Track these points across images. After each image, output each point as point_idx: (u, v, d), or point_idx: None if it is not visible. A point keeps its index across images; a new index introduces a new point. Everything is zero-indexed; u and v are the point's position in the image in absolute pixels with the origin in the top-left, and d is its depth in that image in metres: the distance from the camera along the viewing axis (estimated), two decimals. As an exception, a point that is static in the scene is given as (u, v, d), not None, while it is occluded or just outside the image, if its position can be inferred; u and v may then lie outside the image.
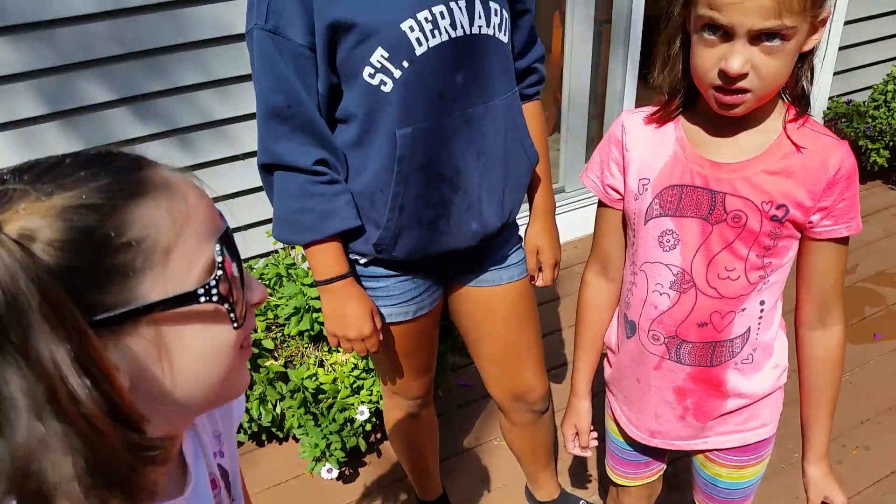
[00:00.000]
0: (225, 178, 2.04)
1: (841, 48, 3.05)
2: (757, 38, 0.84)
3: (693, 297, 1.01)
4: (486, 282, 1.35)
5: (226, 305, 0.49)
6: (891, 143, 2.98)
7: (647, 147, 1.02)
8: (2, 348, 0.39)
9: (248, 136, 1.99)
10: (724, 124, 0.95)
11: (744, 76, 0.86)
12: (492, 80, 1.17)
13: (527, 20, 1.26)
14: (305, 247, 1.19)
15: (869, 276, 2.63)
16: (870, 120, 3.01)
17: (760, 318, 1.03)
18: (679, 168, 0.98)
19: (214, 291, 0.48)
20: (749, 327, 1.03)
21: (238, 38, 1.88)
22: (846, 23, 3.00)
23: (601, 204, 1.12)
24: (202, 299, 0.48)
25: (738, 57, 0.85)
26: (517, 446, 1.63)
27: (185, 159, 1.96)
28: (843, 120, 3.09)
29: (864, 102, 3.10)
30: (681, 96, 0.98)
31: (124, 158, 0.49)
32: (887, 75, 3.11)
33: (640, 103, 2.75)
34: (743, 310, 1.01)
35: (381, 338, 1.26)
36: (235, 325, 0.50)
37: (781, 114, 0.96)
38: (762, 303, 1.02)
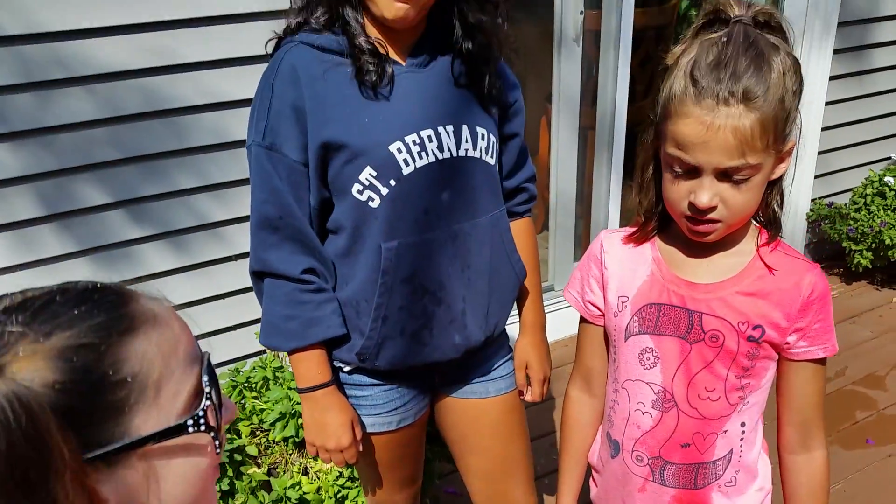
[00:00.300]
0: (217, 279, 2.06)
1: (820, 153, 3.16)
2: (724, 174, 0.88)
3: (675, 416, 1.01)
4: (473, 393, 1.35)
5: (212, 433, 0.51)
6: (873, 245, 3.04)
7: (625, 265, 1.05)
8: (23, 489, 0.40)
9: (241, 237, 2.02)
10: (698, 247, 0.99)
11: (713, 208, 0.90)
12: (478, 198, 1.21)
13: (515, 143, 1.31)
14: (290, 353, 1.20)
15: (858, 379, 2.62)
16: (852, 222, 3.08)
17: (742, 439, 1.03)
18: (657, 287, 1.01)
19: (202, 421, 0.51)
20: (731, 449, 1.03)
21: (234, 144, 1.94)
22: (824, 129, 3.12)
23: (583, 320, 1.13)
24: (191, 430, 0.50)
25: (706, 192, 0.89)
26: None
27: (178, 260, 1.99)
28: (826, 222, 3.16)
29: (845, 205, 3.18)
30: (656, 220, 1.02)
31: (111, 293, 0.51)
32: (866, 179, 3.21)
33: (624, 203, 2.83)
34: (725, 431, 1.01)
35: (361, 449, 1.25)
36: (218, 451, 0.52)
37: (754, 237, 1.00)
38: (743, 424, 1.02)
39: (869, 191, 3.15)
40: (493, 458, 1.38)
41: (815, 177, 3.19)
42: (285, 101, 1.09)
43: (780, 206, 0.99)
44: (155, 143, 1.88)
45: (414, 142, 1.12)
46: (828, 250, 3.36)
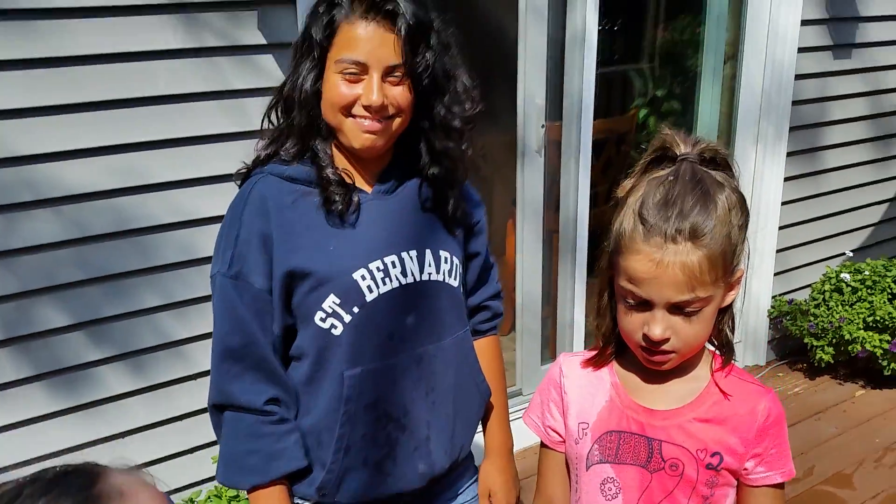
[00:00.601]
0: (176, 400, 2.02)
1: (778, 250, 3.25)
2: (675, 307, 0.91)
3: None
4: None
5: None
6: (834, 340, 3.11)
7: (584, 390, 1.06)
8: None
9: (203, 356, 2.00)
10: (654, 373, 1.01)
11: (666, 340, 0.93)
12: (442, 321, 1.22)
13: (477, 261, 1.34)
14: (249, 491, 1.17)
15: (827, 478, 2.62)
16: (812, 318, 3.15)
17: None
18: (616, 413, 1.02)
19: None
20: None
21: (201, 260, 1.94)
22: (781, 227, 3.23)
23: (544, 445, 1.13)
24: None
25: (658, 325, 0.92)
26: None
27: (137, 381, 1.95)
28: (787, 318, 3.23)
29: (805, 301, 3.26)
30: (613, 344, 1.05)
31: (80, 475, 0.52)
32: (823, 275, 3.31)
33: (589, 304, 2.86)
34: None
35: None
36: None
37: (708, 362, 1.03)
38: None
39: (827, 287, 3.24)
40: None
41: (775, 274, 3.27)
42: (253, 231, 1.11)
43: (732, 330, 1.02)
44: (121, 262, 1.87)
45: (378, 268, 1.14)
46: (790, 346, 3.42)
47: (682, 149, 0.94)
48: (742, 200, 0.94)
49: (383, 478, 1.19)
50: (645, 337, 0.93)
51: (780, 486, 1.01)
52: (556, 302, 2.91)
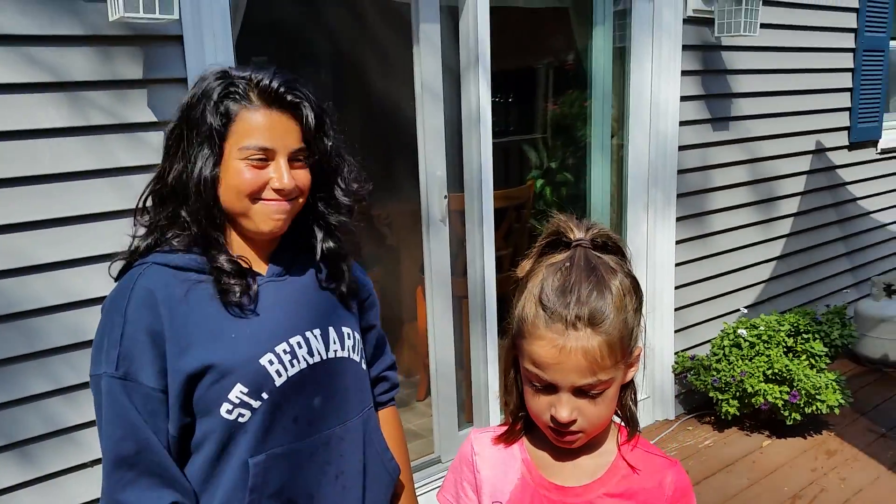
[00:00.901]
0: (71, 489, 1.90)
1: (676, 309, 3.39)
2: (579, 390, 0.93)
3: None
4: None
5: None
6: (738, 394, 3.22)
7: (496, 468, 1.06)
8: None
9: (97, 443, 1.88)
10: (563, 450, 1.02)
11: (573, 422, 0.94)
12: (348, 399, 1.21)
13: (372, 335, 1.34)
14: None
15: (742, 529, 2.68)
16: (714, 373, 3.27)
17: None
18: (528, 492, 1.02)
19: None
20: None
21: (88, 343, 1.85)
22: (677, 287, 3.38)
23: None
24: None
25: (564, 408, 0.94)
26: None
27: (26, 472, 1.83)
28: (691, 373, 3.34)
29: (706, 356, 3.39)
30: (522, 421, 1.05)
31: None
32: (721, 331, 3.45)
33: (501, 366, 2.88)
34: None
35: None
36: None
37: (615, 436, 1.04)
38: None
39: (726, 342, 3.37)
40: None
41: (676, 331, 3.41)
42: (139, 327, 1.05)
43: (635, 402, 1.05)
44: (2, 348, 1.78)
45: (284, 350, 1.11)
46: (697, 399, 3.52)
47: (575, 234, 0.98)
48: (635, 284, 0.98)
49: None
50: (553, 419, 0.95)
51: None
52: (469, 366, 2.93)
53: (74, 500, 1.91)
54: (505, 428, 1.08)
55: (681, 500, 1.00)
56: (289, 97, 1.09)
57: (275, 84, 1.09)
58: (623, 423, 1.05)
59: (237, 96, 1.08)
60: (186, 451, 1.11)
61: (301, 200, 1.15)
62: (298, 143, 1.11)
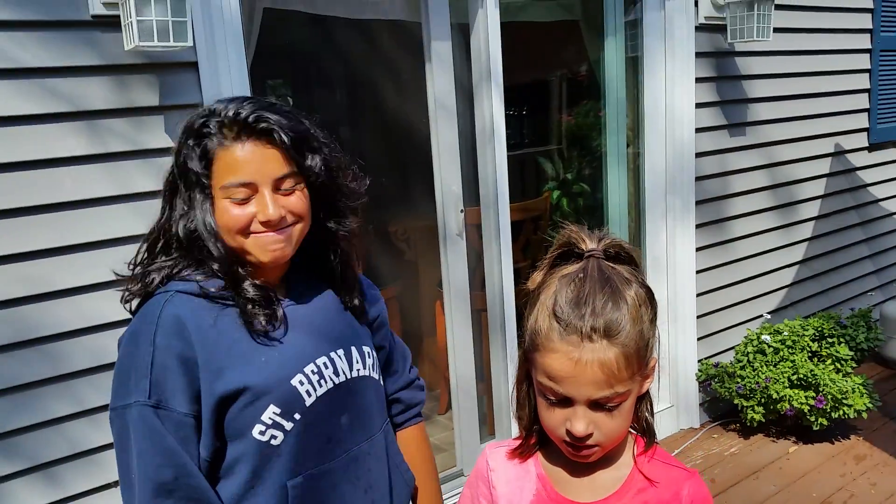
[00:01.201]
0: (94, 510, 1.93)
1: (699, 316, 3.36)
2: (595, 404, 0.92)
3: None
4: None
5: None
6: (763, 400, 3.18)
7: (512, 483, 1.05)
8: None
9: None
10: (579, 464, 1.01)
11: (589, 436, 0.93)
12: (371, 416, 1.22)
13: (382, 355, 1.34)
14: None
15: (771, 539, 2.63)
16: (739, 380, 3.23)
17: None
18: None
19: None
20: None
21: (110, 365, 1.89)
22: (699, 294, 3.35)
23: None
24: None
25: (580, 422, 0.92)
26: None
27: (51, 494, 1.86)
28: (715, 381, 3.30)
29: (730, 363, 3.35)
30: (536, 435, 1.04)
31: None
32: (745, 337, 3.41)
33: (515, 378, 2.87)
34: None
35: None
36: None
37: (631, 447, 1.03)
38: None
39: (750, 349, 3.34)
40: None
41: (698, 339, 3.37)
42: (170, 354, 1.04)
43: (651, 413, 1.03)
44: (26, 372, 1.82)
45: (313, 371, 1.12)
46: (722, 407, 3.48)
47: (587, 244, 0.96)
48: (650, 294, 0.97)
49: None
50: (568, 433, 0.94)
51: None
52: (489, 379, 2.92)
53: (99, 521, 1.94)
54: (519, 442, 1.07)
55: None
56: (260, 125, 1.05)
57: (243, 114, 1.05)
58: (640, 435, 1.04)
59: (211, 135, 1.06)
60: (215, 477, 1.12)
61: (300, 225, 1.13)
62: (283, 170, 1.08)
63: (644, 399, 1.01)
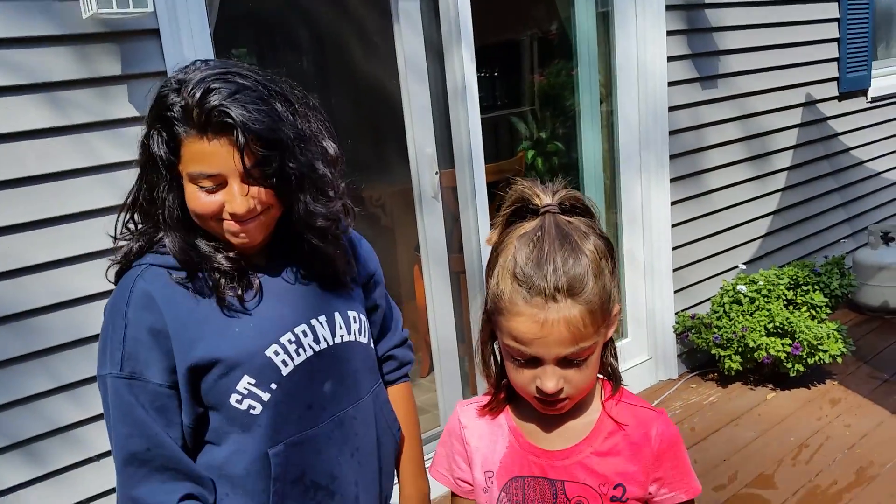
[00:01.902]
0: (79, 485, 1.93)
1: (675, 269, 3.40)
2: (563, 360, 0.92)
3: None
4: None
5: None
6: (740, 349, 3.24)
7: (485, 439, 1.07)
8: None
9: (100, 438, 1.91)
10: (549, 416, 1.02)
11: (560, 391, 0.94)
12: (357, 380, 1.22)
13: (378, 314, 1.34)
14: None
15: (750, 481, 2.69)
16: (716, 330, 3.28)
17: None
18: (517, 459, 1.03)
19: None
20: None
21: (88, 339, 1.89)
22: (674, 248, 3.38)
23: (454, 495, 1.13)
24: None
25: (550, 379, 0.93)
26: None
27: (30, 471, 1.85)
28: (692, 332, 3.36)
29: (706, 314, 3.40)
30: (504, 390, 1.05)
31: None
32: (721, 289, 3.46)
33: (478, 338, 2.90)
34: None
35: None
36: None
37: (599, 393, 1.04)
38: None
39: (726, 299, 3.39)
40: None
41: (675, 291, 3.41)
42: (141, 328, 1.05)
43: (615, 357, 1.04)
44: (1, 349, 1.80)
45: (289, 341, 1.11)
46: (700, 358, 3.54)
47: (542, 200, 0.94)
48: (608, 245, 0.96)
49: None
50: (538, 390, 0.94)
51: (690, 502, 1.02)
52: (470, 340, 2.94)
53: (83, 494, 1.94)
54: (489, 398, 1.07)
55: (668, 450, 1.00)
56: (221, 119, 0.99)
57: (207, 106, 0.99)
58: (606, 379, 1.05)
59: (175, 121, 1.01)
60: (201, 442, 1.13)
61: (271, 212, 1.09)
62: (249, 162, 1.02)
63: (608, 346, 1.01)
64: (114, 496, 1.93)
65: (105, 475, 1.90)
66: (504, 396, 1.06)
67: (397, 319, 1.41)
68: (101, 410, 1.82)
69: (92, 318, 1.85)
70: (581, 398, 1.00)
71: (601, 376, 1.05)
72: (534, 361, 0.93)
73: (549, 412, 0.99)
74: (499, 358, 1.03)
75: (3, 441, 1.82)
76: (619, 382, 1.04)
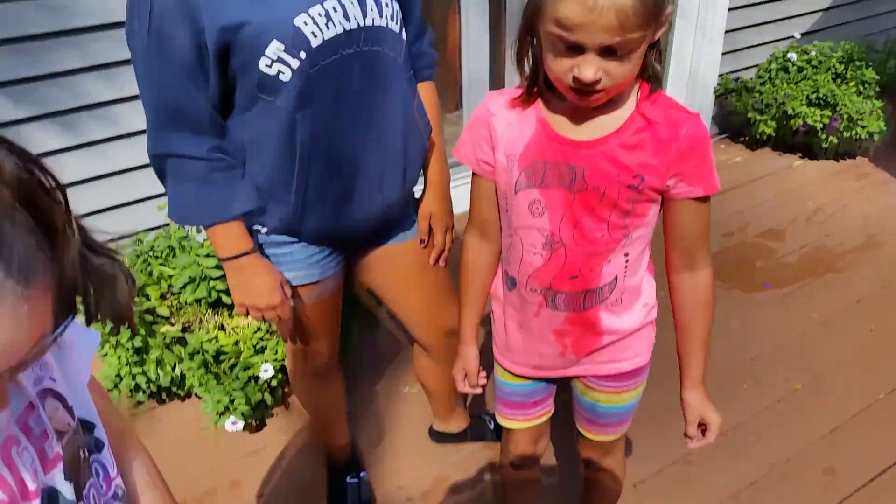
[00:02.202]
0: (111, 157, 2.00)
1: (727, 31, 3.22)
2: (607, 50, 0.89)
3: (563, 255, 1.07)
4: (397, 240, 1.40)
5: None
6: (776, 115, 3.16)
7: (512, 127, 1.06)
8: None
9: (132, 117, 1.95)
10: (580, 110, 1.00)
11: (598, 81, 0.91)
12: (388, 69, 1.20)
13: (415, 12, 1.31)
14: (207, 227, 1.20)
15: (759, 233, 2.78)
16: (757, 94, 3.19)
17: (626, 267, 1.10)
18: (542, 146, 1.03)
19: None
20: (616, 276, 1.10)
21: (118, 24, 1.87)
22: (731, 9, 3.17)
23: (475, 175, 1.16)
24: None
25: (590, 68, 0.90)
26: (441, 385, 1.69)
27: (66, 140, 1.92)
28: (732, 94, 3.26)
29: (751, 79, 3.28)
30: (538, 83, 1.03)
31: None
32: (770, 55, 3.30)
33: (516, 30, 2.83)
34: (609, 262, 1.08)
35: (292, 304, 1.28)
36: None
37: (635, 92, 1.01)
38: (627, 255, 1.09)
39: (773, 66, 3.25)
40: (429, 286, 1.46)
41: (723, 53, 3.26)
42: None
43: (660, 62, 1.00)
44: (28, 24, 1.76)
45: (319, 14, 1.09)
46: (733, 122, 3.46)
47: None
48: None
49: (343, 208, 1.24)
50: (576, 79, 0.91)
51: (704, 199, 1.03)
52: (503, 79, 2.90)
53: (116, 167, 2.02)
54: (521, 91, 1.06)
55: (695, 149, 0.99)
56: None
57: None
58: (644, 80, 1.01)
59: None
60: (229, 108, 1.15)
61: None
62: None
63: (654, 47, 0.97)
64: (145, 170, 2.06)
65: (136, 152, 1.96)
66: (536, 90, 1.04)
67: (425, 22, 1.37)
68: (135, 91, 1.87)
69: (120, 3, 1.81)
70: (616, 94, 0.97)
71: (640, 79, 1.02)
72: (576, 49, 0.90)
73: (582, 103, 0.97)
74: (535, 53, 1.00)
75: (37, 109, 1.86)
76: (658, 85, 1.02)
